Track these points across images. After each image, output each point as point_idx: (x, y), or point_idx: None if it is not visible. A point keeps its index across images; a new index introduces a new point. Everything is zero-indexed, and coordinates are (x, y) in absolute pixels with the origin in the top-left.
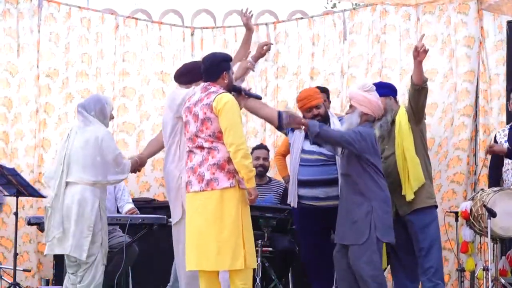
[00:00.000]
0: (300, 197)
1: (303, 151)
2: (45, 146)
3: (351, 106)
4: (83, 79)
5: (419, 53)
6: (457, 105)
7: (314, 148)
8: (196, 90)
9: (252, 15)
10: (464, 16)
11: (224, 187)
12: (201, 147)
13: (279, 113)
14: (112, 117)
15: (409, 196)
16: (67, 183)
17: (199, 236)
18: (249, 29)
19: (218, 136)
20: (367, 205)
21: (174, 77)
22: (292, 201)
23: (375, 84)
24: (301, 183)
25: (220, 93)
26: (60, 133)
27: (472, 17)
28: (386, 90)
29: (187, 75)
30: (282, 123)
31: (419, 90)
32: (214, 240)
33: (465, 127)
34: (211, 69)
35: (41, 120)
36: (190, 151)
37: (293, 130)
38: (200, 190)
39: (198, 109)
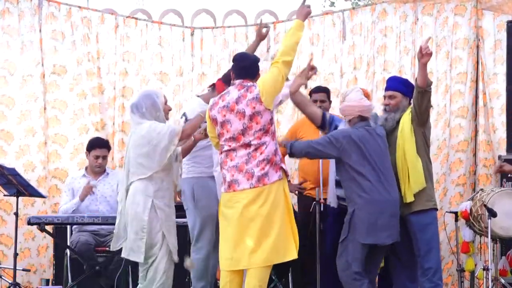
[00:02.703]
0: (337, 198)
1: None
2: (61, 141)
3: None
4: (85, 77)
5: (423, 55)
6: (452, 106)
7: None
8: (230, 89)
9: (266, 26)
10: (460, 18)
11: (274, 181)
12: (247, 145)
13: (323, 114)
14: (169, 109)
15: (409, 199)
16: (127, 187)
17: (249, 235)
18: (260, 40)
19: (267, 129)
20: (352, 207)
21: (224, 80)
22: (332, 201)
23: (399, 78)
24: (338, 183)
25: (257, 84)
26: (77, 128)
27: (467, 18)
28: (407, 89)
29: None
30: (326, 122)
31: (422, 93)
32: (267, 235)
33: (461, 129)
34: (251, 68)
35: (51, 117)
36: (231, 150)
37: (335, 129)
38: (250, 187)
39: (243, 105)
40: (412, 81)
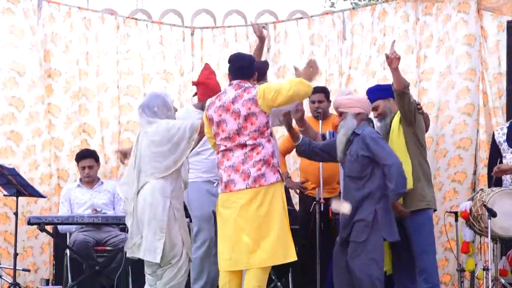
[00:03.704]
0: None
1: None
2: (58, 145)
3: (340, 114)
4: (84, 77)
5: (392, 60)
6: (457, 103)
7: None
8: (227, 89)
9: (263, 27)
10: (464, 15)
11: (271, 182)
12: (243, 145)
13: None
14: (175, 109)
15: (400, 200)
16: (139, 187)
17: (246, 235)
18: (262, 41)
19: (262, 131)
20: (373, 205)
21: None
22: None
23: (372, 88)
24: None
25: (257, 86)
26: (71, 132)
27: (472, 16)
28: (384, 92)
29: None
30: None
31: (400, 96)
32: (265, 236)
33: (466, 126)
34: (248, 69)
35: (49, 120)
36: (227, 150)
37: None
38: (246, 188)
39: (238, 105)
40: (413, 80)
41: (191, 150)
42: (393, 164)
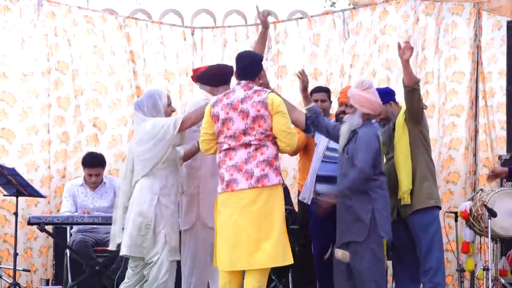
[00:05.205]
0: (317, 193)
1: (328, 148)
2: (65, 140)
3: (351, 106)
4: (98, 72)
5: (405, 51)
6: (446, 105)
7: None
8: (235, 88)
9: (269, 13)
10: (457, 17)
11: (274, 184)
12: (247, 145)
13: (306, 118)
14: (173, 110)
15: (404, 201)
16: (132, 186)
17: (247, 235)
18: (265, 27)
19: (269, 134)
20: (369, 204)
21: (198, 78)
22: (307, 197)
23: None
24: (321, 179)
25: (270, 92)
26: (76, 126)
27: (465, 18)
28: (385, 97)
29: (218, 76)
30: (309, 127)
31: (411, 92)
32: (266, 237)
33: (455, 127)
34: (252, 68)
35: (58, 114)
36: (230, 149)
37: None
38: (249, 187)
39: (247, 106)
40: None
41: (186, 158)
42: (361, 170)
